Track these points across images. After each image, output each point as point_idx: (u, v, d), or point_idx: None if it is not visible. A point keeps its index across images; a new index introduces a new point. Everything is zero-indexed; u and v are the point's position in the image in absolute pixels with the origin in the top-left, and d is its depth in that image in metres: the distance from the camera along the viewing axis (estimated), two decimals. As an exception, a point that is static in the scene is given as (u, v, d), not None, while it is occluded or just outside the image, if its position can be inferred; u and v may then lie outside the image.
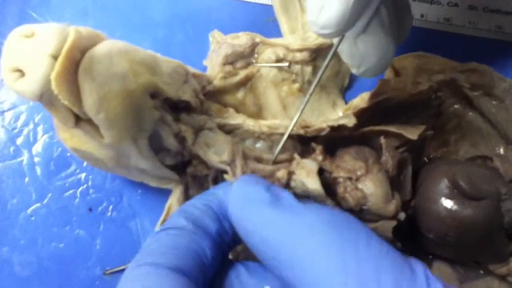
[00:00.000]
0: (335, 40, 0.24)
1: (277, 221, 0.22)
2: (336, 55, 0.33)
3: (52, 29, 0.23)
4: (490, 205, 0.24)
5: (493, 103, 0.30)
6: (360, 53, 0.23)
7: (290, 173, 0.26)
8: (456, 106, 0.30)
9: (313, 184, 0.25)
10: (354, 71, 0.24)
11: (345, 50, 0.24)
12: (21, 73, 0.22)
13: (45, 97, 0.23)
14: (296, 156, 0.26)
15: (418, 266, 0.20)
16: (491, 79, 0.29)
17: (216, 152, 0.28)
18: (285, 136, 0.26)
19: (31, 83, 0.22)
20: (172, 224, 0.23)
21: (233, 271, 0.24)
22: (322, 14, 0.20)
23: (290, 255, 0.21)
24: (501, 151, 0.30)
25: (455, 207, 0.25)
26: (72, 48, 0.22)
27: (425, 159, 0.31)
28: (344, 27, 0.20)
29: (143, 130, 0.26)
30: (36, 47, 0.22)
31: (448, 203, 0.25)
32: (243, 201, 0.23)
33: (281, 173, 0.26)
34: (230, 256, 0.28)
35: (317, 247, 0.20)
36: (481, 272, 0.28)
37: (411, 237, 0.29)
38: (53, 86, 0.22)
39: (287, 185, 0.26)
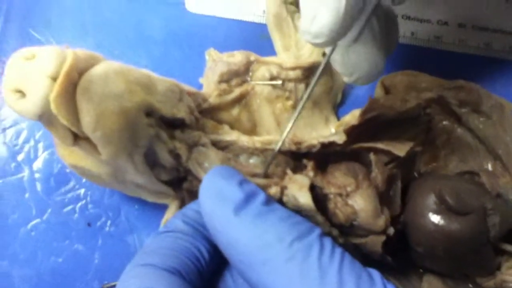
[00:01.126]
0: (327, 50, 0.25)
1: (243, 224, 0.22)
2: (329, 73, 0.34)
3: (51, 52, 0.24)
4: (476, 219, 0.25)
5: (481, 120, 0.30)
6: (352, 62, 0.24)
7: (282, 188, 0.27)
8: (445, 122, 0.31)
9: (304, 198, 0.25)
10: (346, 79, 0.25)
11: (337, 59, 0.25)
12: (22, 93, 0.23)
13: (45, 117, 0.24)
14: (289, 171, 0.27)
15: (376, 274, 0.21)
16: (478, 96, 0.30)
17: (205, 169, 0.28)
18: (278, 147, 0.27)
19: (31, 103, 0.23)
20: (171, 227, 0.24)
21: (228, 271, 0.25)
22: (314, 23, 0.21)
23: (255, 259, 0.21)
24: (489, 165, 0.30)
25: (442, 222, 0.26)
26: (70, 70, 0.23)
27: (415, 174, 0.31)
28: (335, 36, 0.21)
29: (138, 146, 0.27)
30: (36, 69, 0.23)
31: (435, 218, 0.26)
32: (213, 197, 0.23)
33: (274, 190, 0.27)
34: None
35: (280, 253, 0.21)
36: (470, 286, 0.29)
37: (401, 251, 0.29)
38: (52, 106, 0.23)
39: (279, 200, 0.27)
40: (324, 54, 0.30)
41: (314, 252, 0.21)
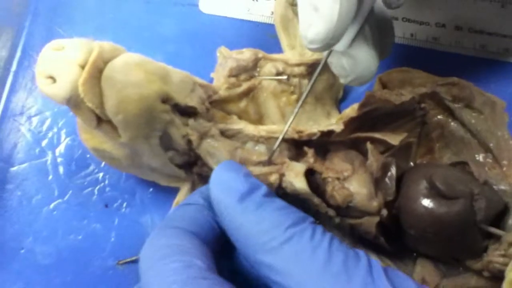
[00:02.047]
0: (324, 54, 0.28)
1: (246, 211, 0.25)
2: (330, 71, 0.36)
3: (81, 43, 0.26)
4: (464, 203, 0.27)
5: (473, 115, 0.32)
6: (346, 65, 0.26)
7: (281, 175, 0.29)
8: (439, 116, 0.32)
9: (300, 184, 0.28)
10: (342, 80, 0.28)
11: (334, 63, 0.27)
12: (53, 79, 0.26)
13: (72, 100, 0.26)
14: (287, 160, 0.29)
15: (361, 252, 0.24)
16: (470, 93, 0.32)
17: (215, 160, 0.31)
18: (281, 137, 0.29)
19: (61, 88, 0.26)
20: (192, 200, 0.27)
21: None
22: (310, 31, 0.23)
23: (257, 242, 0.24)
24: (481, 158, 0.32)
25: (432, 205, 0.27)
26: (97, 59, 0.26)
27: (412, 164, 0.33)
28: (329, 42, 0.23)
29: (154, 130, 0.29)
30: (67, 58, 0.26)
31: (426, 202, 0.27)
32: (221, 187, 0.26)
33: (273, 178, 0.29)
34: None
35: (277, 237, 0.24)
36: (461, 269, 0.31)
37: (397, 237, 0.31)
38: (80, 90, 0.26)
39: (279, 186, 0.29)
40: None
41: (306, 235, 0.24)
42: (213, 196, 0.26)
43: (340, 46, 0.25)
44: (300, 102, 0.29)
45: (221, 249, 0.27)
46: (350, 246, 0.25)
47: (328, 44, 0.24)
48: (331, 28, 0.23)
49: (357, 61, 0.26)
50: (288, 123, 0.30)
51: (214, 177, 0.26)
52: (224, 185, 0.26)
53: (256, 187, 0.26)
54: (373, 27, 0.26)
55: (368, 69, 0.26)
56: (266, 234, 0.24)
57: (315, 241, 0.24)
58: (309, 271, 0.23)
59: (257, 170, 0.30)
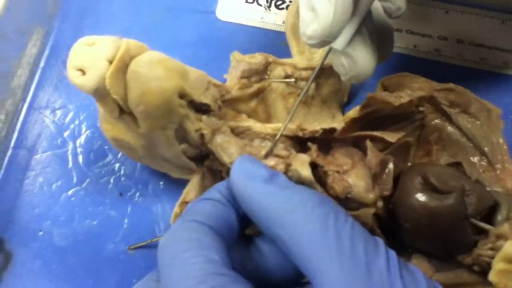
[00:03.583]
0: (325, 51, 0.30)
1: (273, 192, 0.26)
2: (336, 76, 0.38)
3: (110, 40, 0.29)
4: (455, 197, 0.28)
5: (469, 120, 0.34)
6: (345, 64, 0.29)
7: (287, 165, 0.31)
8: (437, 120, 0.34)
9: (305, 172, 0.29)
10: (342, 78, 0.30)
11: (334, 61, 0.29)
12: (82, 72, 0.28)
13: (99, 91, 0.29)
14: (293, 151, 0.32)
15: (380, 240, 0.25)
16: (467, 99, 0.33)
17: (228, 154, 0.32)
18: (283, 128, 0.31)
19: (90, 79, 0.28)
20: (210, 196, 0.28)
21: (247, 239, 0.29)
22: (308, 28, 0.26)
23: (283, 218, 0.25)
24: (475, 161, 0.34)
25: (425, 199, 0.29)
26: (124, 55, 0.29)
27: (410, 164, 0.35)
28: (325, 39, 0.26)
29: (171, 122, 0.31)
30: (96, 53, 0.28)
31: (420, 196, 0.29)
32: (243, 174, 0.27)
33: (280, 166, 0.31)
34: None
35: (305, 214, 0.25)
36: (454, 265, 0.32)
37: (393, 233, 0.33)
38: (107, 83, 0.28)
39: (285, 174, 0.31)
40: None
41: (331, 216, 0.25)
42: (237, 182, 0.27)
43: (338, 44, 0.27)
44: (301, 96, 0.31)
45: (232, 245, 0.28)
46: (369, 233, 0.25)
47: (324, 41, 0.26)
48: (327, 26, 0.25)
49: (355, 60, 0.28)
50: (289, 116, 0.32)
51: (236, 167, 0.28)
52: (248, 172, 0.27)
53: (276, 174, 0.27)
54: (371, 30, 0.28)
55: (366, 68, 0.28)
56: (292, 212, 0.25)
57: (339, 223, 0.25)
58: (331, 252, 0.23)
59: (266, 162, 0.32)
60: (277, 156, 0.32)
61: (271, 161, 0.32)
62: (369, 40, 0.28)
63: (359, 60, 0.28)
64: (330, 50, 0.29)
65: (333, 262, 0.23)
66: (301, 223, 0.25)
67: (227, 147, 0.33)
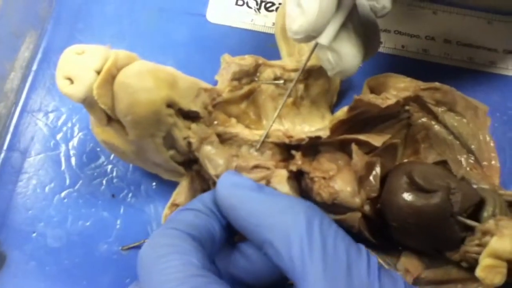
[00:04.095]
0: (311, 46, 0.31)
1: (261, 198, 0.27)
2: (326, 77, 0.38)
3: (98, 50, 0.29)
4: (441, 196, 0.29)
5: (456, 118, 0.34)
6: (331, 59, 0.29)
7: (268, 181, 0.31)
8: (423, 119, 0.34)
9: (283, 188, 0.30)
10: (329, 73, 0.30)
11: (320, 56, 0.30)
12: (71, 81, 0.29)
13: (87, 101, 0.29)
14: (272, 166, 0.32)
15: (363, 247, 0.26)
16: (453, 97, 0.34)
17: (214, 166, 0.33)
18: (265, 133, 0.33)
19: (78, 89, 0.29)
20: (193, 206, 0.29)
21: (234, 246, 0.30)
22: (294, 23, 0.26)
23: (271, 221, 0.26)
24: (463, 159, 0.34)
25: (411, 198, 0.29)
26: (111, 67, 0.29)
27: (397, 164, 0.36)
28: (311, 34, 0.26)
29: (159, 131, 0.32)
30: (84, 63, 0.29)
31: (406, 195, 0.29)
32: (230, 184, 0.28)
33: (263, 182, 0.32)
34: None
35: (292, 218, 0.26)
36: (443, 261, 0.32)
37: (382, 231, 0.33)
38: (94, 93, 0.29)
39: None
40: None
41: (316, 219, 0.26)
42: (224, 192, 0.28)
43: (324, 40, 0.28)
44: (288, 91, 0.32)
45: (214, 254, 0.29)
46: (352, 239, 0.27)
47: (310, 36, 0.26)
48: (311, 21, 0.26)
49: (341, 56, 0.28)
50: (274, 115, 0.33)
51: (223, 179, 0.29)
52: (235, 183, 0.28)
53: (262, 185, 0.29)
54: (357, 26, 0.29)
55: (351, 63, 0.29)
56: (281, 214, 0.26)
57: (324, 227, 0.26)
58: (316, 253, 0.24)
59: (250, 176, 0.33)
60: (260, 167, 0.32)
61: (256, 175, 0.32)
62: (354, 36, 0.28)
63: (345, 55, 0.28)
64: (316, 45, 0.29)
65: (317, 263, 0.24)
66: (289, 225, 0.25)
67: (213, 159, 0.33)
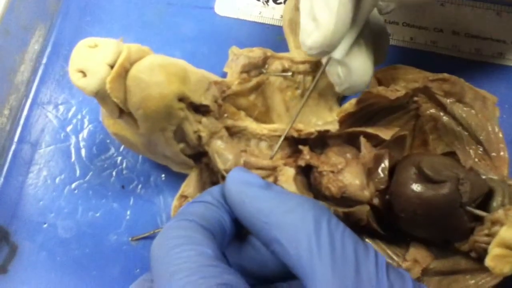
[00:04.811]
0: (323, 61, 0.30)
1: (270, 196, 0.27)
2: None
3: (111, 44, 0.29)
4: (449, 187, 0.28)
5: (464, 109, 0.34)
6: (341, 74, 0.29)
7: (276, 178, 0.32)
8: (432, 110, 0.34)
9: (290, 188, 0.31)
10: (336, 88, 0.30)
11: (330, 71, 0.30)
12: (84, 74, 0.29)
13: (100, 94, 0.29)
14: (281, 164, 0.32)
15: (370, 245, 0.26)
16: (461, 88, 0.34)
17: (223, 160, 0.33)
18: (281, 139, 0.33)
19: (91, 82, 0.29)
20: (203, 199, 0.29)
21: (244, 239, 0.30)
22: (309, 38, 0.26)
23: (280, 219, 0.26)
24: (471, 150, 0.34)
25: (420, 189, 0.29)
26: (124, 61, 0.29)
27: (406, 155, 0.36)
28: (325, 49, 0.26)
29: (170, 124, 0.32)
30: (98, 56, 0.29)
31: (414, 186, 0.29)
32: (239, 181, 0.28)
33: (271, 180, 0.32)
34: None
35: (300, 216, 0.26)
36: (452, 252, 0.32)
37: (391, 222, 0.33)
38: (107, 87, 0.29)
39: None
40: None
41: (324, 218, 0.26)
42: (233, 189, 0.28)
43: (337, 54, 0.27)
44: (300, 107, 0.32)
45: (225, 246, 0.28)
46: (359, 237, 0.26)
47: (324, 52, 0.26)
48: (327, 37, 0.25)
49: (351, 70, 0.28)
50: (288, 127, 0.33)
51: (232, 175, 0.29)
52: (244, 179, 0.28)
53: (271, 183, 0.28)
54: (368, 38, 0.29)
55: (361, 78, 0.29)
56: (289, 213, 0.26)
57: (332, 225, 0.25)
58: (324, 251, 0.24)
59: (258, 173, 0.33)
60: (266, 169, 0.32)
61: (263, 172, 0.33)
62: (365, 49, 0.28)
63: (355, 69, 0.28)
64: (329, 60, 0.29)
65: (326, 261, 0.24)
66: (297, 223, 0.25)
67: (222, 153, 0.33)
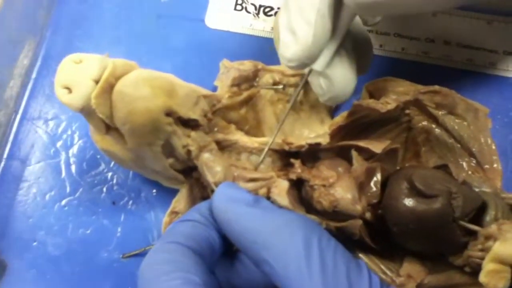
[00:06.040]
0: (306, 72, 0.30)
1: (257, 214, 0.26)
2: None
3: (96, 60, 0.29)
4: (441, 201, 0.28)
5: (456, 121, 0.34)
6: (323, 85, 0.29)
7: (269, 189, 0.31)
8: (424, 122, 0.34)
9: (283, 201, 0.30)
10: (320, 99, 0.30)
11: (313, 82, 0.29)
12: (69, 90, 0.29)
13: (85, 110, 0.29)
14: (274, 175, 0.32)
15: (363, 263, 0.26)
16: (453, 100, 0.34)
17: (212, 173, 0.33)
18: (266, 149, 0.32)
19: (76, 98, 0.29)
20: (190, 217, 0.28)
21: (233, 255, 0.29)
22: (288, 51, 0.26)
23: (267, 239, 0.25)
24: (464, 162, 0.34)
25: (412, 204, 0.29)
26: (109, 76, 0.29)
27: (398, 168, 0.35)
28: (305, 61, 0.26)
29: (158, 139, 0.31)
30: (83, 72, 0.29)
31: (406, 201, 0.29)
32: (226, 198, 0.28)
33: (262, 191, 0.32)
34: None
35: (289, 236, 0.25)
36: (446, 266, 0.32)
37: (384, 235, 0.33)
38: (92, 102, 0.29)
39: (267, 198, 0.31)
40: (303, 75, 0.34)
41: (315, 236, 0.25)
42: (220, 206, 0.28)
43: (318, 66, 0.27)
44: (284, 116, 0.31)
45: (214, 264, 0.28)
46: (351, 255, 0.26)
47: (303, 64, 0.26)
48: (306, 49, 0.25)
49: (333, 82, 0.28)
50: (274, 135, 0.33)
51: (219, 192, 0.28)
52: (231, 196, 0.28)
53: (259, 198, 0.28)
54: (349, 49, 0.29)
55: (344, 89, 0.28)
56: (277, 233, 0.25)
57: (323, 244, 0.25)
58: (315, 272, 0.24)
59: (249, 185, 0.32)
60: (258, 180, 0.32)
61: (255, 184, 0.32)
62: (347, 59, 0.28)
63: (337, 80, 0.28)
64: (310, 71, 0.29)
65: (316, 282, 0.24)
66: (285, 243, 0.25)
67: (211, 166, 0.33)
